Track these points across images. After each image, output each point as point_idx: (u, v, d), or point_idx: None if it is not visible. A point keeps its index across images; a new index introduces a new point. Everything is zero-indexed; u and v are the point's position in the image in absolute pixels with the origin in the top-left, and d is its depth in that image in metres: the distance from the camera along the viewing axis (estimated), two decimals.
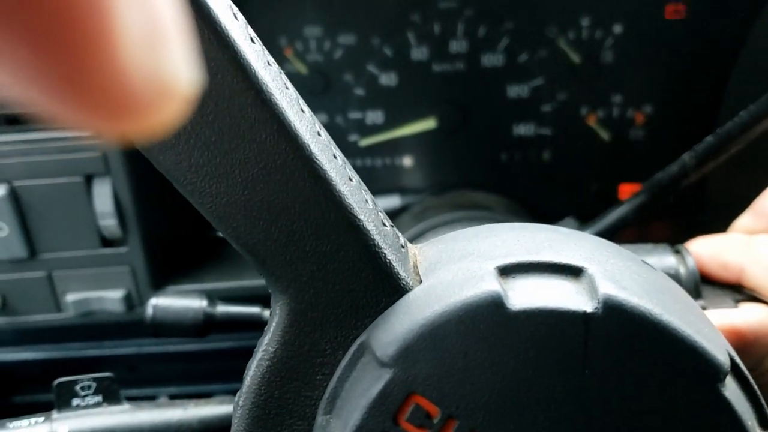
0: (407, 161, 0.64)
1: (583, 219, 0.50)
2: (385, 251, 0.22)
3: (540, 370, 0.19)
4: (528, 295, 0.20)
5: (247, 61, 0.20)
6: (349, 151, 0.63)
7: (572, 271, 0.21)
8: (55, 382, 0.34)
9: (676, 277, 0.36)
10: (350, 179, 0.23)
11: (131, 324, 0.55)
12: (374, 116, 0.62)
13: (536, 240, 0.23)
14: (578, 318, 0.19)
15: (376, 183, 0.64)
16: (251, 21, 0.59)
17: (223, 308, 0.43)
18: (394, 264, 0.22)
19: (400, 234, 0.24)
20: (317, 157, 0.21)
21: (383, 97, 0.62)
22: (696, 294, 0.36)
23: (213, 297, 0.43)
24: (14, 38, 0.09)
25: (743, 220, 0.39)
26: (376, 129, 0.63)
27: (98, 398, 0.35)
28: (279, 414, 0.22)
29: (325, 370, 0.22)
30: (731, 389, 0.20)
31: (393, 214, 0.62)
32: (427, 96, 0.61)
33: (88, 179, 0.48)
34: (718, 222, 0.41)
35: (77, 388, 0.34)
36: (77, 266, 0.51)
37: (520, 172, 0.63)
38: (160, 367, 0.65)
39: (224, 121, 0.20)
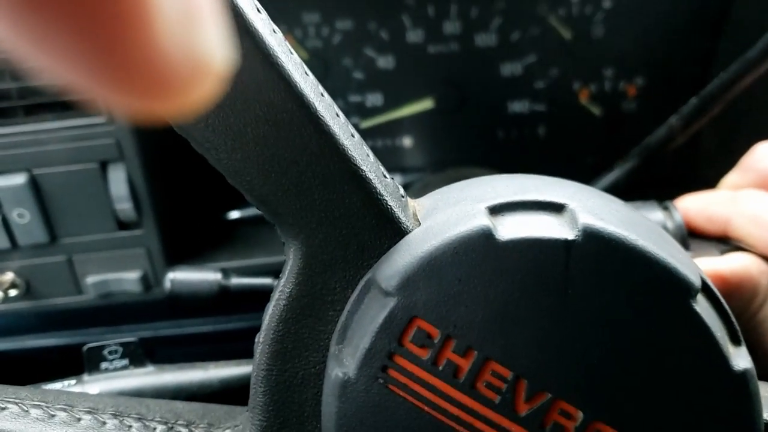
0: (407, 141, 0.66)
1: None
2: (386, 198, 0.24)
3: (527, 293, 0.21)
4: (515, 227, 0.22)
5: (255, 28, 0.22)
6: None
7: (555, 207, 0.23)
8: (85, 347, 0.37)
9: (665, 231, 0.38)
10: (353, 135, 0.25)
11: (149, 306, 0.57)
12: (374, 98, 0.64)
13: (524, 185, 0.25)
14: (560, 245, 0.21)
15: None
16: None
17: (237, 281, 0.45)
18: (395, 209, 0.24)
19: (399, 186, 0.26)
20: (322, 114, 0.23)
21: (382, 79, 0.64)
22: (683, 247, 0.38)
23: (227, 271, 0.45)
24: (54, 18, 0.09)
25: (730, 177, 0.41)
26: (376, 111, 0.65)
27: (125, 362, 0.37)
28: (296, 347, 0.25)
29: (336, 307, 0.24)
30: (703, 306, 0.22)
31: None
32: (424, 77, 0.64)
33: (103, 165, 0.51)
34: (711, 185, 0.43)
35: (105, 352, 0.37)
36: (95, 249, 0.53)
37: (516, 148, 0.65)
38: (178, 351, 0.67)
39: (236, 84, 0.23)
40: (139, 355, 0.37)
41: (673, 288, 0.21)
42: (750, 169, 0.40)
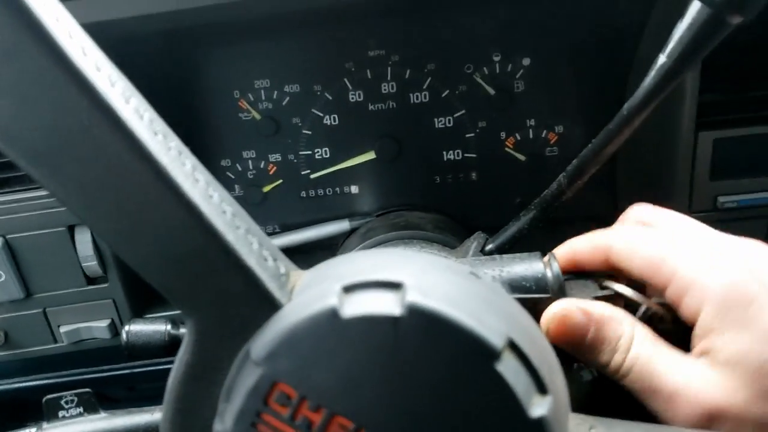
0: (354, 189, 0.72)
1: None
2: (264, 281, 0.30)
3: (365, 360, 0.27)
4: (358, 305, 0.28)
5: (149, 151, 0.29)
6: (302, 183, 0.72)
7: (395, 286, 0.29)
8: (44, 399, 0.43)
9: (543, 279, 0.44)
10: (238, 228, 0.31)
11: (118, 349, 0.63)
12: (321, 152, 0.71)
13: (381, 263, 0.31)
14: (389, 321, 0.27)
15: (328, 210, 0.73)
16: (208, 78, 0.68)
17: (185, 330, 0.51)
18: (272, 290, 0.30)
19: (282, 266, 0.32)
20: (208, 216, 0.29)
21: (328, 135, 0.70)
22: (562, 293, 0.44)
23: (177, 321, 0.51)
24: None
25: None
26: (324, 163, 0.71)
27: (80, 410, 0.43)
28: (193, 406, 0.31)
29: (224, 372, 0.30)
30: (507, 363, 0.27)
31: (343, 236, 0.71)
32: (366, 132, 0.70)
33: (71, 228, 0.57)
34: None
35: (62, 402, 0.43)
36: (67, 302, 0.60)
37: (452, 191, 0.72)
38: (155, 385, 0.73)
39: (134, 198, 0.29)
40: (92, 403, 0.43)
41: (477, 351, 0.27)
42: (624, 221, 0.46)
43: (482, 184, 0.72)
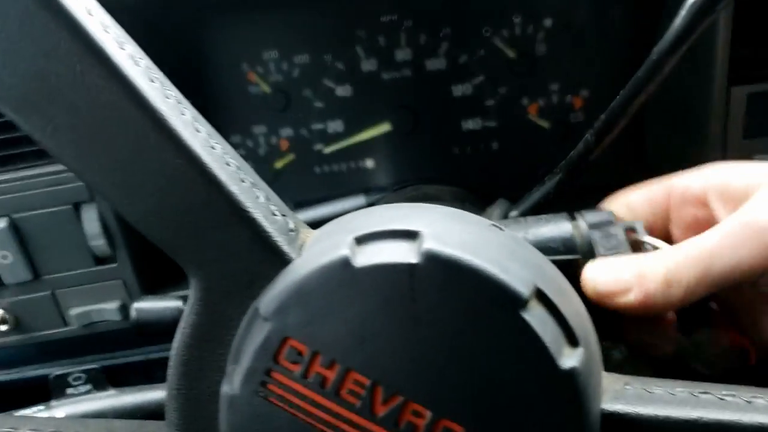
0: (369, 163, 0.70)
1: None
2: (272, 235, 0.28)
3: (380, 311, 0.25)
4: (371, 255, 0.26)
5: (147, 98, 0.26)
6: (316, 158, 0.69)
7: (410, 235, 0.26)
8: (51, 375, 0.41)
9: (571, 240, 0.42)
10: (242, 181, 0.29)
11: (130, 332, 0.62)
12: (335, 125, 0.68)
13: (395, 215, 0.29)
14: (405, 268, 0.25)
15: (343, 186, 0.70)
16: (215, 50, 0.66)
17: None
18: (281, 244, 0.28)
19: (291, 220, 0.30)
20: (210, 166, 0.27)
21: (341, 107, 0.68)
22: (591, 254, 0.41)
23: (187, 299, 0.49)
24: None
25: None
26: (337, 137, 0.69)
27: (89, 386, 0.41)
28: (201, 369, 0.28)
29: (232, 332, 0.28)
30: (534, 313, 0.25)
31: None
32: (380, 103, 0.67)
33: (77, 206, 0.55)
34: None
35: (70, 379, 0.41)
36: (76, 284, 0.58)
37: (471, 163, 0.69)
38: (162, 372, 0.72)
39: (132, 146, 0.27)
40: (101, 380, 0.41)
41: (502, 300, 0.25)
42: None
43: (504, 155, 0.68)
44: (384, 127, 0.68)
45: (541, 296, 0.26)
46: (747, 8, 0.55)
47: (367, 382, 0.25)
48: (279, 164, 0.70)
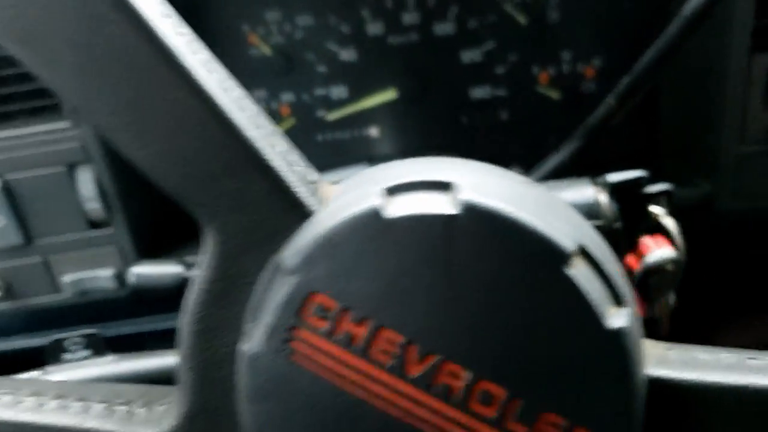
0: (374, 131, 0.68)
1: None
2: (292, 185, 0.26)
3: (414, 265, 0.23)
4: (403, 206, 0.24)
5: (157, 33, 0.24)
6: (318, 125, 0.67)
7: (444, 186, 0.24)
8: (49, 339, 0.39)
9: (595, 206, 0.40)
10: (259, 126, 0.27)
11: (123, 302, 0.59)
12: (338, 91, 0.66)
13: (425, 167, 0.27)
14: (441, 220, 0.23)
15: (346, 154, 0.68)
16: (214, 10, 0.63)
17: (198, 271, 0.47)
18: (302, 195, 0.26)
19: (311, 172, 0.28)
20: (224, 108, 0.25)
21: (345, 72, 0.65)
22: (616, 219, 0.40)
23: (189, 264, 0.47)
24: None
25: None
26: (341, 103, 0.67)
27: (87, 352, 0.39)
28: (215, 328, 0.26)
29: (249, 288, 0.26)
30: (579, 270, 0.23)
31: None
32: (386, 68, 0.65)
33: (71, 168, 0.53)
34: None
35: (67, 343, 0.39)
36: (70, 249, 0.55)
37: (479, 133, 0.67)
38: (163, 345, 0.70)
39: (142, 84, 0.24)
40: (99, 345, 0.39)
41: (546, 254, 0.23)
42: None
43: (513, 125, 0.66)
44: (390, 94, 0.66)
45: (585, 253, 0.24)
46: None
47: (400, 339, 0.23)
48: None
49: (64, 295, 0.57)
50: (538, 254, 0.23)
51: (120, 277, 0.57)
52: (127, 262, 0.56)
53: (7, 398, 0.27)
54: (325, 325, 0.24)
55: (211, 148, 0.25)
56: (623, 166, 0.51)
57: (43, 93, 0.52)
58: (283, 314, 0.24)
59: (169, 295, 0.47)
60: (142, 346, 0.69)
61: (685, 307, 0.44)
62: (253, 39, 0.64)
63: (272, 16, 0.63)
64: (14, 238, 0.54)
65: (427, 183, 0.25)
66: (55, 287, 0.57)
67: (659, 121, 0.65)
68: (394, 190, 0.25)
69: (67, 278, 0.56)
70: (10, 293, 0.57)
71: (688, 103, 0.60)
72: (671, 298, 0.42)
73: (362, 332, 0.23)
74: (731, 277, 0.69)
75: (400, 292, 0.23)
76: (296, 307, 0.24)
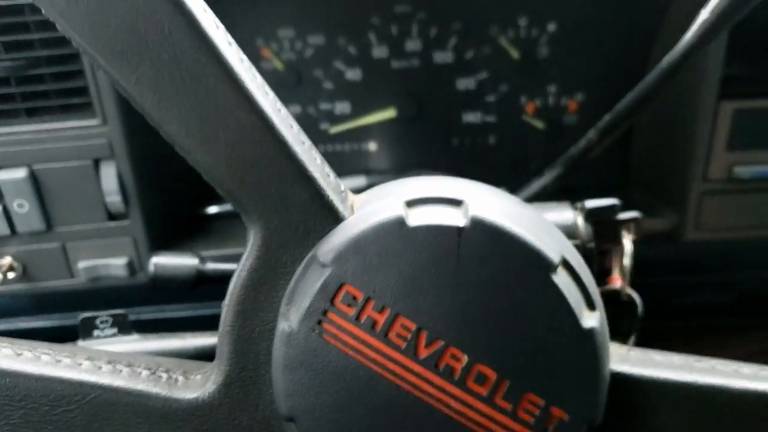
0: (372, 146, 0.73)
1: None
2: (328, 193, 0.31)
3: (429, 266, 0.28)
4: (422, 216, 0.29)
5: (225, 59, 0.29)
6: (321, 137, 0.72)
7: (456, 203, 0.30)
8: (80, 317, 0.43)
9: (573, 227, 0.46)
10: (303, 142, 0.32)
11: (133, 290, 0.64)
12: (342, 107, 0.71)
13: (440, 185, 0.32)
14: (453, 230, 0.28)
15: (345, 166, 0.73)
16: (231, 26, 0.68)
17: (212, 266, 0.52)
18: (335, 202, 0.31)
19: (341, 183, 0.33)
20: (277, 126, 0.30)
21: (349, 90, 0.71)
22: (590, 240, 0.45)
23: (204, 258, 0.52)
24: None
25: None
26: (343, 118, 0.72)
27: (114, 330, 0.43)
28: (254, 309, 0.31)
29: (287, 277, 0.31)
30: (562, 278, 0.29)
31: (359, 193, 0.72)
32: (388, 89, 0.71)
33: (96, 162, 0.57)
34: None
35: (97, 321, 0.43)
36: (87, 237, 0.60)
37: (469, 154, 0.73)
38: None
39: (210, 103, 0.29)
40: (126, 325, 0.44)
41: (536, 263, 0.28)
42: None
43: (499, 149, 0.72)
44: (389, 113, 0.71)
45: (566, 264, 0.29)
46: (742, 27, 0.59)
47: (413, 326, 0.29)
48: None
49: (78, 281, 0.61)
50: (530, 263, 0.28)
51: (132, 267, 0.61)
52: (140, 254, 0.61)
53: (67, 360, 0.32)
54: (351, 311, 0.29)
55: (264, 159, 0.30)
56: (598, 194, 0.57)
57: (76, 92, 0.56)
58: (317, 299, 0.29)
59: (183, 286, 0.51)
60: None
61: (648, 328, 0.49)
62: (266, 53, 0.69)
63: (286, 33, 0.69)
64: (36, 224, 0.58)
65: (442, 199, 0.30)
66: (70, 272, 0.61)
67: (632, 156, 0.71)
68: (414, 203, 0.30)
69: (82, 264, 0.60)
70: (26, 275, 0.60)
71: (659, 141, 0.67)
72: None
73: (382, 318, 0.29)
74: (694, 300, 0.76)
75: (415, 287, 0.29)
76: (329, 295, 0.29)
